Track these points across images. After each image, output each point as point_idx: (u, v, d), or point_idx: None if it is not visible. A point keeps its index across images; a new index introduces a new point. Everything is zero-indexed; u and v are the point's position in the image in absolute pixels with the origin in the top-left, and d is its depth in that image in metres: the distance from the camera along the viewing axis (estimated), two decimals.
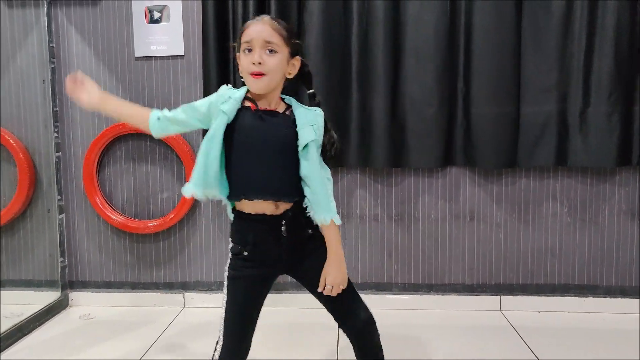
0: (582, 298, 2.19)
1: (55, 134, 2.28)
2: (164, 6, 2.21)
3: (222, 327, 1.22)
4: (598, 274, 2.20)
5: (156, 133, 1.28)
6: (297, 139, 1.18)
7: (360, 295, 2.20)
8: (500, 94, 2.07)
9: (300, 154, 1.19)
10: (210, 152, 1.17)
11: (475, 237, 2.23)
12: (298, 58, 1.23)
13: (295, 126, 1.19)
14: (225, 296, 1.24)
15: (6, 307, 2.19)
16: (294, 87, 1.31)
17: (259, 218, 1.20)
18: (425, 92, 2.09)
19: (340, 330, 1.76)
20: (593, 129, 2.06)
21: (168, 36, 2.22)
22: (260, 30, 1.15)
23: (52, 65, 2.25)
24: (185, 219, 2.28)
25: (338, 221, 1.22)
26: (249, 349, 1.24)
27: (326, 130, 1.23)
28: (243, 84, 1.23)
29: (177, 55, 2.22)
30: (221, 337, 1.22)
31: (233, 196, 1.22)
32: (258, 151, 1.18)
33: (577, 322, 2.10)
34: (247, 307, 1.22)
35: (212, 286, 2.31)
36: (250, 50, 1.16)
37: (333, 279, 1.20)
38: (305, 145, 1.17)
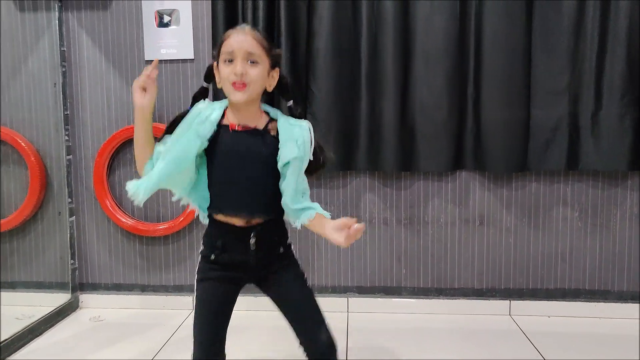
0: (593, 303, 2.18)
1: (66, 137, 2.29)
2: (174, 10, 2.22)
3: (193, 334, 1.23)
4: (609, 279, 2.18)
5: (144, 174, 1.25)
6: (276, 151, 1.17)
7: (369, 298, 2.21)
8: (510, 98, 2.05)
9: (280, 169, 1.18)
10: (174, 168, 1.15)
11: (484, 241, 2.21)
12: (277, 70, 1.22)
13: (277, 142, 1.17)
14: (194, 301, 1.25)
15: (17, 308, 2.21)
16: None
17: (229, 227, 1.20)
18: (434, 95, 2.08)
19: (349, 333, 1.76)
20: (605, 132, 2.04)
21: (178, 40, 2.22)
22: (242, 41, 1.13)
23: (63, 69, 2.27)
24: (195, 222, 2.28)
25: (310, 217, 1.17)
26: (221, 354, 1.24)
27: (312, 146, 1.20)
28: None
29: (186, 59, 2.23)
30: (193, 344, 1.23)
31: (210, 210, 1.23)
32: (235, 171, 1.18)
33: (588, 328, 2.09)
34: (212, 310, 1.22)
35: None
36: (231, 61, 1.14)
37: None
38: (287, 163, 1.16)
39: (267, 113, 1.24)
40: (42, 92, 2.28)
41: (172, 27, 2.23)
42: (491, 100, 2.07)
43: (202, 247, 1.26)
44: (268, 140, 1.19)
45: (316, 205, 1.19)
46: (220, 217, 1.21)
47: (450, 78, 2.08)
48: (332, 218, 2.15)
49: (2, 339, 1.88)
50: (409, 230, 2.24)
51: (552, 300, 2.20)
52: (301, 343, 1.22)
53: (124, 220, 2.26)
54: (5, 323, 1.98)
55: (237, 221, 1.20)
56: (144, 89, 1.17)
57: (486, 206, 2.20)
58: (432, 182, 2.21)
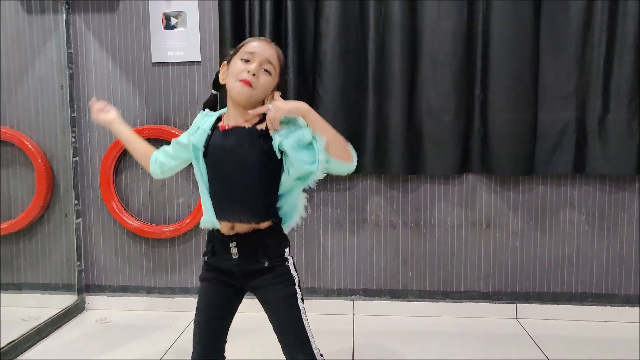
0: (599, 307, 2.17)
1: (73, 139, 2.30)
2: (181, 12, 2.22)
3: (192, 334, 1.25)
4: (616, 282, 2.17)
5: (155, 175, 1.37)
6: (265, 152, 1.14)
7: (375, 301, 2.20)
8: (518, 101, 2.05)
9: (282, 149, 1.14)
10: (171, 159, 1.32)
11: (491, 244, 2.21)
12: (279, 93, 1.21)
13: (265, 135, 1.15)
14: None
15: (24, 310, 2.22)
16: None
17: (215, 233, 1.22)
18: (442, 98, 2.08)
19: (355, 335, 1.75)
20: (612, 136, 2.03)
21: (185, 42, 2.23)
22: (264, 48, 1.17)
23: (70, 71, 2.27)
24: None
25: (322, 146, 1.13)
26: (218, 357, 1.24)
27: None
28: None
29: (193, 61, 2.23)
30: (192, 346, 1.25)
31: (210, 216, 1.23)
32: (221, 171, 1.18)
33: (595, 332, 2.08)
34: (207, 310, 1.23)
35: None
36: (247, 61, 1.15)
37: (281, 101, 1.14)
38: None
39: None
40: (49, 94, 2.29)
41: (179, 29, 2.23)
42: (498, 104, 2.06)
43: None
44: (255, 136, 1.16)
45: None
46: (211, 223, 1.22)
47: (457, 80, 2.08)
48: (338, 221, 2.17)
49: (10, 341, 1.88)
50: (416, 233, 2.23)
51: (558, 304, 2.19)
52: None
53: (130, 222, 2.26)
54: (11, 324, 1.99)
55: (223, 227, 1.20)
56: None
57: (493, 209, 2.20)
58: (438, 185, 2.21)
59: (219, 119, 1.22)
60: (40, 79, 2.29)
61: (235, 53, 1.19)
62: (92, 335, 2.09)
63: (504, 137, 2.07)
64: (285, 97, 1.25)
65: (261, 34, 2.08)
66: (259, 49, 1.16)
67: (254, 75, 1.14)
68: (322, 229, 2.25)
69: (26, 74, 2.29)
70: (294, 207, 1.23)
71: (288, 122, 1.16)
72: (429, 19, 2.07)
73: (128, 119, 2.28)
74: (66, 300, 2.28)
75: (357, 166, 2.07)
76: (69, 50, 2.27)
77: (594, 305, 2.18)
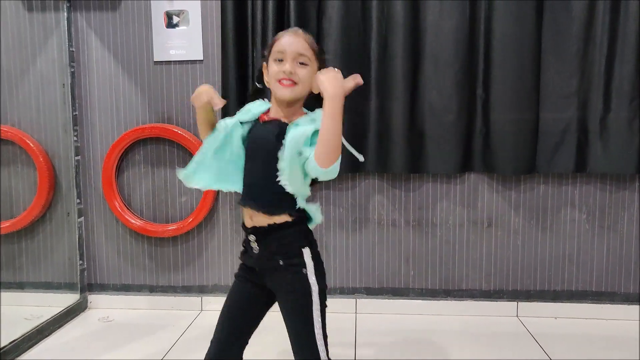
0: (600, 305, 2.19)
1: (75, 138, 2.29)
2: (183, 11, 2.22)
3: None
4: (616, 281, 2.19)
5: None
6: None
7: (378, 300, 2.21)
8: (519, 100, 2.06)
9: (301, 152, 1.13)
10: (210, 144, 1.21)
11: (492, 243, 2.22)
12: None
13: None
14: None
15: (26, 309, 2.21)
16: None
17: (243, 226, 1.23)
18: (444, 98, 2.09)
19: (358, 333, 1.74)
20: (613, 135, 2.05)
21: (187, 41, 2.22)
22: (293, 42, 1.16)
23: (72, 70, 2.27)
24: (204, 223, 2.29)
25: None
26: (235, 357, 1.22)
27: None
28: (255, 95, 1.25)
29: (195, 60, 2.23)
30: None
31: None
32: (250, 159, 1.21)
33: (595, 329, 2.10)
34: (231, 308, 1.23)
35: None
36: (281, 60, 1.17)
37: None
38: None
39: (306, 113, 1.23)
40: (51, 93, 2.28)
41: (181, 27, 2.22)
42: (500, 103, 2.07)
43: None
44: (279, 127, 1.16)
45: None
46: (243, 214, 1.24)
47: (459, 80, 2.08)
48: (341, 220, 2.13)
49: (12, 339, 1.88)
50: (417, 232, 2.24)
51: (559, 302, 2.21)
52: None
53: (132, 221, 2.26)
54: (14, 323, 1.99)
55: (247, 220, 1.21)
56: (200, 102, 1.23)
57: (494, 208, 2.21)
58: (440, 184, 2.22)
59: (269, 109, 1.25)
60: (42, 77, 2.28)
61: (269, 53, 1.20)
62: (95, 334, 2.09)
63: (505, 137, 2.08)
64: None
65: (263, 33, 2.09)
66: (288, 46, 1.16)
67: (291, 73, 1.15)
68: (325, 228, 2.26)
69: (27, 73, 2.28)
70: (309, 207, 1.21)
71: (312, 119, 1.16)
72: (431, 19, 2.07)
73: (130, 118, 2.28)
74: (69, 299, 2.28)
75: (359, 165, 2.13)
76: (71, 49, 2.26)
77: (594, 303, 2.20)
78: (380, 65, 2.10)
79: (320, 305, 1.14)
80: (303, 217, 1.19)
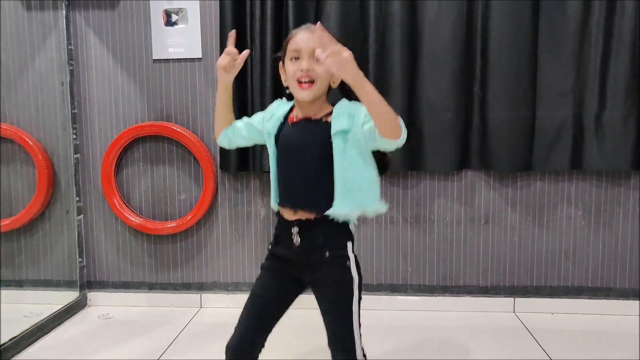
0: (595, 300, 2.21)
1: (74, 136, 2.30)
2: (182, 9, 2.22)
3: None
4: (612, 276, 2.22)
5: (220, 143, 1.37)
6: (329, 143, 1.14)
7: (376, 296, 2.22)
8: (516, 98, 2.08)
9: (336, 146, 1.14)
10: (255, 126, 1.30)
11: (489, 239, 2.24)
12: None
13: (329, 128, 1.15)
14: None
15: (26, 306, 2.22)
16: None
17: (282, 220, 1.23)
18: (441, 96, 2.11)
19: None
20: (609, 133, 2.07)
21: (186, 39, 2.23)
22: (308, 39, 1.15)
23: (71, 68, 2.27)
24: (203, 220, 2.30)
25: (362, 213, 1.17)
26: (254, 346, 1.22)
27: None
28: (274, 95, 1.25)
29: (194, 58, 2.24)
30: None
31: (274, 202, 1.27)
32: (287, 161, 1.21)
33: (591, 324, 2.12)
34: (257, 298, 1.23)
35: (228, 287, 2.34)
36: (297, 59, 1.16)
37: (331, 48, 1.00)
38: (340, 134, 1.13)
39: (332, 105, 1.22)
40: (50, 91, 2.28)
41: (180, 25, 2.23)
42: (497, 101, 2.09)
43: None
44: (320, 129, 1.17)
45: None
46: (279, 210, 1.24)
47: (457, 78, 2.10)
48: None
49: (12, 337, 1.89)
50: (415, 228, 2.26)
51: (555, 298, 2.23)
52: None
53: (132, 218, 2.27)
54: (13, 321, 1.99)
55: (288, 214, 1.21)
56: (225, 67, 1.24)
57: (491, 205, 2.23)
58: (438, 181, 2.24)
59: (292, 108, 1.25)
60: (41, 76, 2.28)
61: (284, 52, 1.20)
62: (94, 331, 2.10)
63: (502, 134, 2.10)
64: None
65: (262, 31, 2.10)
66: (303, 44, 1.15)
67: (308, 70, 1.15)
68: None
69: (26, 71, 2.28)
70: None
71: (349, 114, 1.15)
72: (429, 18, 2.09)
73: (129, 116, 2.29)
74: (68, 296, 2.28)
75: None
76: (69, 47, 2.26)
77: (590, 298, 2.22)
78: (379, 63, 2.12)
79: (359, 298, 1.18)
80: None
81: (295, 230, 1.19)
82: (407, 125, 2.13)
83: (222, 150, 2.19)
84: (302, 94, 1.17)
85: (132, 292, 2.36)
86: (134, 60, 2.27)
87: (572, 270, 2.23)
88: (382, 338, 1.99)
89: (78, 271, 2.33)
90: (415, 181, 2.24)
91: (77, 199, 2.33)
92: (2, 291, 2.14)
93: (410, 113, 2.13)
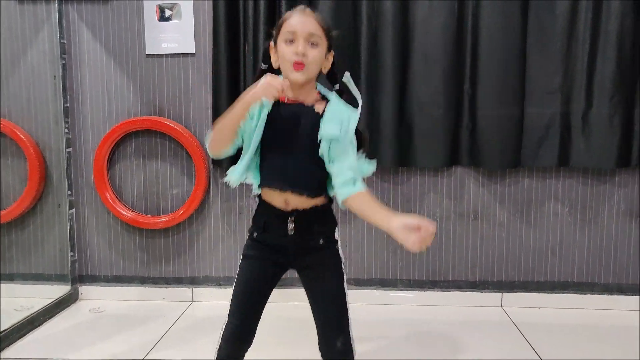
0: (580, 295, 2.26)
1: (66, 130, 2.30)
2: (175, 4, 2.23)
3: (229, 305, 1.26)
4: (596, 272, 2.26)
5: (217, 157, 1.38)
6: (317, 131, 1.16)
7: (366, 290, 2.24)
8: (505, 96, 2.11)
9: (322, 150, 1.17)
10: (255, 141, 1.19)
11: (478, 235, 2.28)
12: (332, 52, 1.23)
13: (320, 119, 1.17)
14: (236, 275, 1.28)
15: (17, 300, 2.21)
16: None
17: (271, 208, 1.23)
18: (432, 93, 2.13)
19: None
20: (595, 131, 2.11)
21: (179, 34, 2.24)
22: (304, 22, 1.16)
23: (63, 62, 2.27)
24: (195, 214, 2.31)
25: (350, 193, 1.15)
26: (251, 332, 1.25)
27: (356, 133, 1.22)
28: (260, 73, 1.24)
29: (187, 53, 2.25)
30: (226, 316, 1.26)
31: (257, 184, 1.26)
32: (279, 141, 1.20)
33: (576, 318, 2.17)
34: (248, 285, 1.25)
35: (220, 281, 2.35)
36: (292, 41, 1.16)
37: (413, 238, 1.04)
38: (328, 141, 1.16)
39: (321, 94, 1.25)
40: (42, 85, 2.28)
41: (174, 21, 2.24)
42: (487, 99, 2.12)
43: (250, 225, 1.28)
44: (311, 116, 1.19)
45: (361, 185, 1.16)
46: (265, 197, 1.24)
47: (447, 76, 2.13)
48: None
49: (2, 329, 1.89)
50: None
51: (541, 293, 2.27)
52: (319, 344, 1.24)
53: (124, 212, 2.28)
54: (4, 314, 1.98)
55: (277, 201, 1.21)
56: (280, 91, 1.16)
57: (480, 201, 2.27)
58: (428, 177, 2.27)
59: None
60: (33, 69, 2.28)
61: (278, 33, 1.19)
62: (86, 325, 2.10)
63: (491, 131, 2.13)
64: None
65: (255, 26, 2.11)
66: (299, 26, 1.15)
67: (303, 54, 1.15)
68: None
69: (18, 64, 2.28)
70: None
71: (341, 120, 1.17)
72: (420, 17, 2.12)
73: (121, 110, 2.29)
74: (59, 290, 2.28)
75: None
76: (62, 41, 2.26)
77: (575, 293, 2.27)
78: (370, 61, 2.14)
79: (346, 276, 1.26)
80: (331, 198, 1.26)
81: (292, 219, 1.20)
82: (399, 122, 2.17)
83: None
84: (296, 75, 1.17)
85: (124, 286, 2.36)
86: (127, 55, 2.27)
87: (558, 266, 2.27)
88: (372, 332, 2.02)
89: (70, 265, 2.33)
90: (405, 177, 2.27)
91: (69, 192, 2.33)
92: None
93: (401, 110, 2.16)
